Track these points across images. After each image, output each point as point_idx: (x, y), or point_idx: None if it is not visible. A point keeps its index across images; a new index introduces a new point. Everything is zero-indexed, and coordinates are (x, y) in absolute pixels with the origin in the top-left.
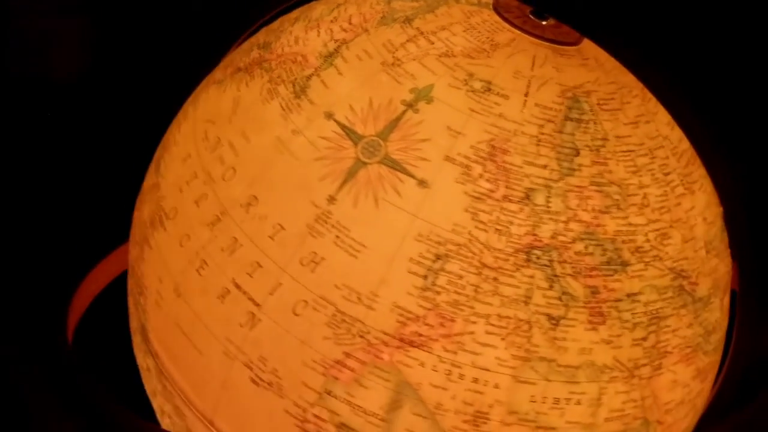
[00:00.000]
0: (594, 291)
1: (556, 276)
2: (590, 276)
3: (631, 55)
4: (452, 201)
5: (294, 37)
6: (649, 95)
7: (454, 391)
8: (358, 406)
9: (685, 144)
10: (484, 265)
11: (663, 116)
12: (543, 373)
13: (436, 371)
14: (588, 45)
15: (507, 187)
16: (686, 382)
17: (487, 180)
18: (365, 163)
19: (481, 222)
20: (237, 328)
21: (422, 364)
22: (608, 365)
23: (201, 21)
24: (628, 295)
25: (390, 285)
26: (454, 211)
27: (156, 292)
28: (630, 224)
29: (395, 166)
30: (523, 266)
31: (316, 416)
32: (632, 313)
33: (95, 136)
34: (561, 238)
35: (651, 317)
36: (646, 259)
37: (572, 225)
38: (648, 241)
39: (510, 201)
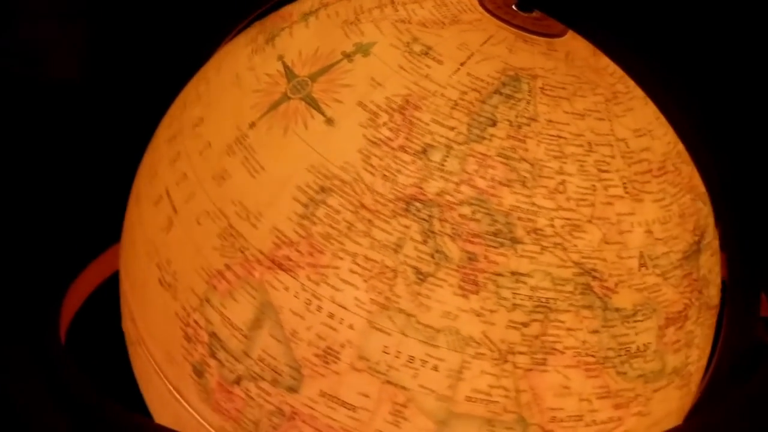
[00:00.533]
0: (471, 257)
1: (432, 232)
2: (470, 242)
3: (615, 45)
4: (350, 141)
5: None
6: (618, 100)
7: (310, 321)
8: (228, 318)
9: (651, 157)
10: (363, 206)
11: (630, 123)
12: (400, 326)
13: (297, 298)
14: (566, 41)
15: (406, 138)
16: (586, 397)
17: (390, 129)
18: (289, 98)
19: (371, 165)
20: (158, 232)
21: (286, 289)
22: (475, 339)
23: (196, 23)
24: (513, 273)
25: (275, 208)
26: (348, 151)
27: (129, 210)
28: (533, 204)
29: (312, 103)
30: (400, 215)
31: (195, 322)
32: (514, 293)
33: (88, 137)
34: (447, 197)
35: (537, 304)
36: (545, 244)
37: (463, 188)
38: (552, 226)
39: (405, 152)
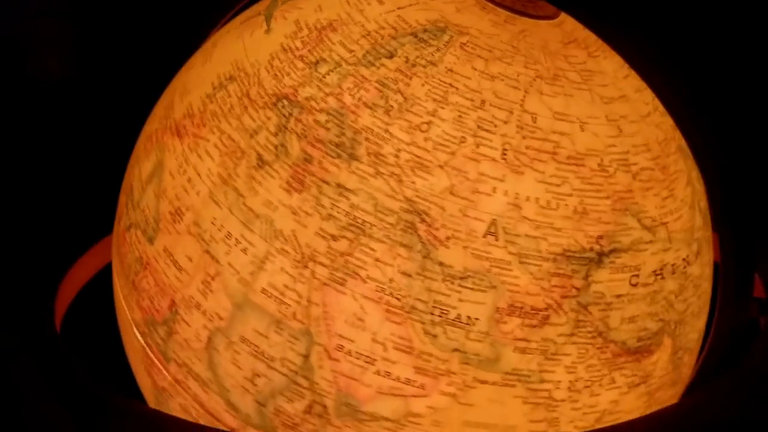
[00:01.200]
0: (307, 159)
1: (285, 128)
2: (312, 145)
3: (604, 25)
4: (269, 46)
5: None
6: (558, 83)
7: (176, 182)
8: (139, 173)
9: (564, 143)
10: (247, 95)
11: (556, 105)
12: (230, 202)
13: (176, 160)
14: (536, 25)
15: (309, 51)
16: (381, 340)
17: (302, 41)
18: (259, 14)
19: (271, 65)
20: None
21: (173, 151)
22: (284, 234)
23: (182, 19)
24: (338, 185)
25: (198, 88)
26: (262, 51)
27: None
28: (387, 131)
29: (267, 17)
30: (268, 107)
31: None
32: (333, 204)
33: (80, 131)
34: (312, 103)
35: (352, 223)
36: (381, 170)
37: (330, 99)
38: (396, 157)
39: (301, 60)
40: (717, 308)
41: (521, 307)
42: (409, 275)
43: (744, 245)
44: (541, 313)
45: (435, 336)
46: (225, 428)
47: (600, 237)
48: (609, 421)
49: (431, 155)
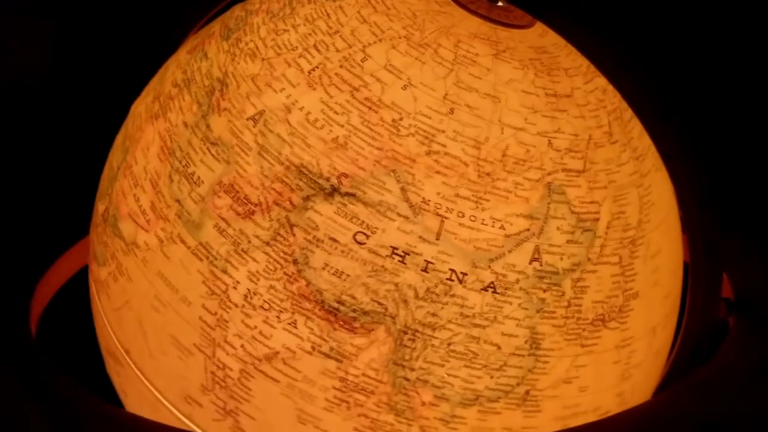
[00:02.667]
0: None
1: None
2: None
3: (579, 35)
4: None
5: None
6: (420, 51)
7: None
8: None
9: (397, 104)
10: None
11: (396, 62)
12: None
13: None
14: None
15: None
16: (147, 171)
17: None
18: None
19: None
20: None
21: None
22: None
23: (161, 18)
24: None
25: None
26: None
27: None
28: (256, 24)
29: None
30: None
31: None
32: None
33: (57, 132)
34: None
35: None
36: (225, 46)
37: None
38: (246, 43)
39: None
40: (686, 308)
41: (237, 191)
42: (187, 126)
43: (712, 245)
44: (250, 205)
45: (172, 181)
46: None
47: (344, 175)
48: (279, 366)
49: (264, 49)
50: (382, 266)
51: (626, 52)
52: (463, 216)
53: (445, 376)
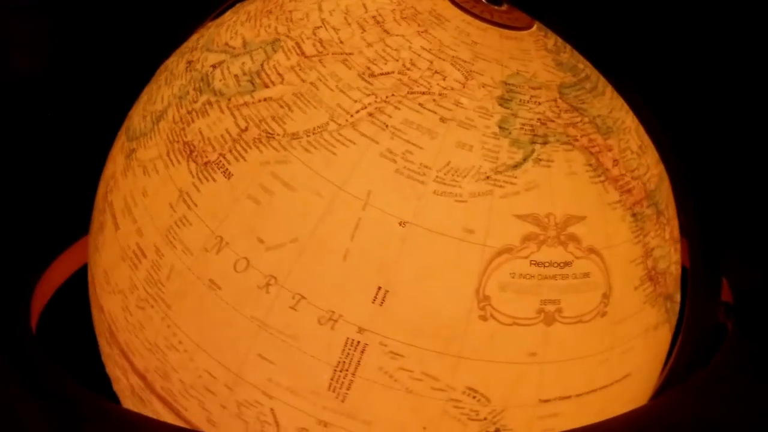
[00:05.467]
0: None
1: None
2: None
3: (580, 38)
4: None
5: None
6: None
7: None
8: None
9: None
10: None
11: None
12: None
13: None
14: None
15: None
16: None
17: None
18: None
19: None
20: None
21: None
22: None
23: (157, 15)
24: None
25: None
26: None
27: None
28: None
29: None
30: None
31: None
32: None
33: (55, 131)
34: None
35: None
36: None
37: None
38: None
39: None
40: (686, 311)
41: None
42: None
43: (712, 250)
44: None
45: None
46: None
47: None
48: None
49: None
50: None
51: (627, 54)
52: None
53: None
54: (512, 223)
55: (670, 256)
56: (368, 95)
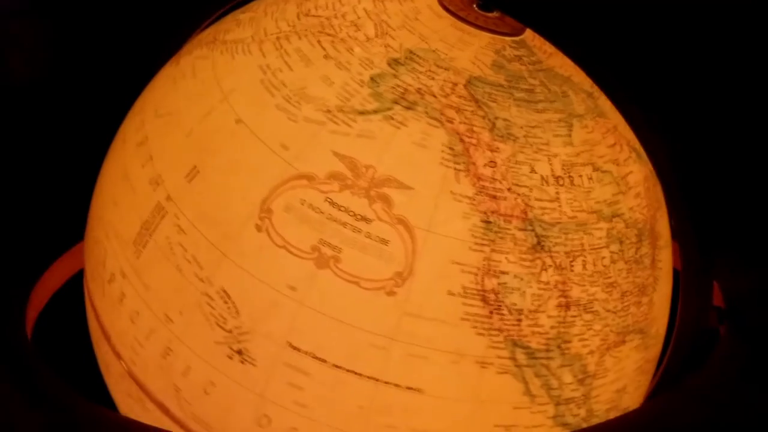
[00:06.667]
0: None
1: None
2: None
3: (572, 44)
4: None
5: None
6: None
7: None
8: None
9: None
10: None
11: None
12: None
13: None
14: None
15: None
16: None
17: None
18: None
19: None
20: None
21: None
22: None
23: (155, 20)
24: None
25: None
26: None
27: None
28: None
29: None
30: None
31: None
32: None
33: (51, 136)
34: None
35: None
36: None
37: None
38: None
39: None
40: (678, 315)
41: None
42: None
43: (704, 254)
44: None
45: None
46: None
47: None
48: None
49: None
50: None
51: (618, 60)
52: None
53: None
54: (327, 157)
55: (541, 304)
56: (290, 26)
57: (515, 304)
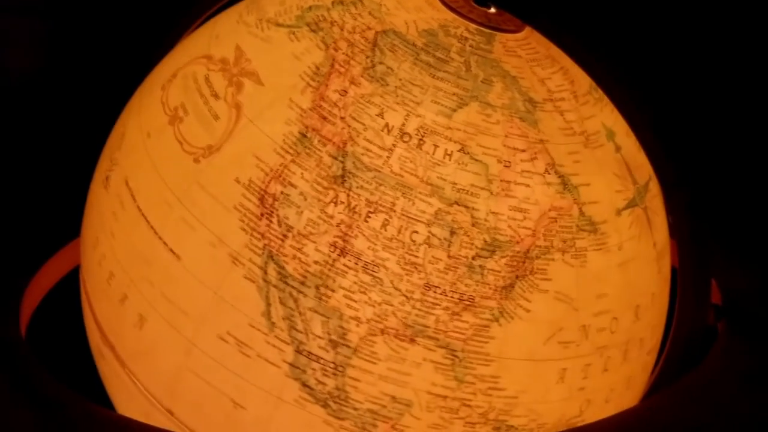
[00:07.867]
0: None
1: None
2: None
3: (569, 41)
4: None
5: None
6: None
7: None
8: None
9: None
10: None
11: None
12: None
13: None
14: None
15: None
16: None
17: None
18: None
19: None
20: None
21: None
22: None
23: (150, 17)
24: None
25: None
26: None
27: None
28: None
29: None
30: None
31: None
32: None
33: (46, 133)
34: None
35: None
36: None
37: None
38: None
39: None
40: (675, 313)
41: None
42: None
43: (702, 251)
44: None
45: None
46: None
47: None
48: None
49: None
50: None
51: (617, 58)
52: None
53: None
54: (231, 47)
55: (313, 233)
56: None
57: (287, 219)
